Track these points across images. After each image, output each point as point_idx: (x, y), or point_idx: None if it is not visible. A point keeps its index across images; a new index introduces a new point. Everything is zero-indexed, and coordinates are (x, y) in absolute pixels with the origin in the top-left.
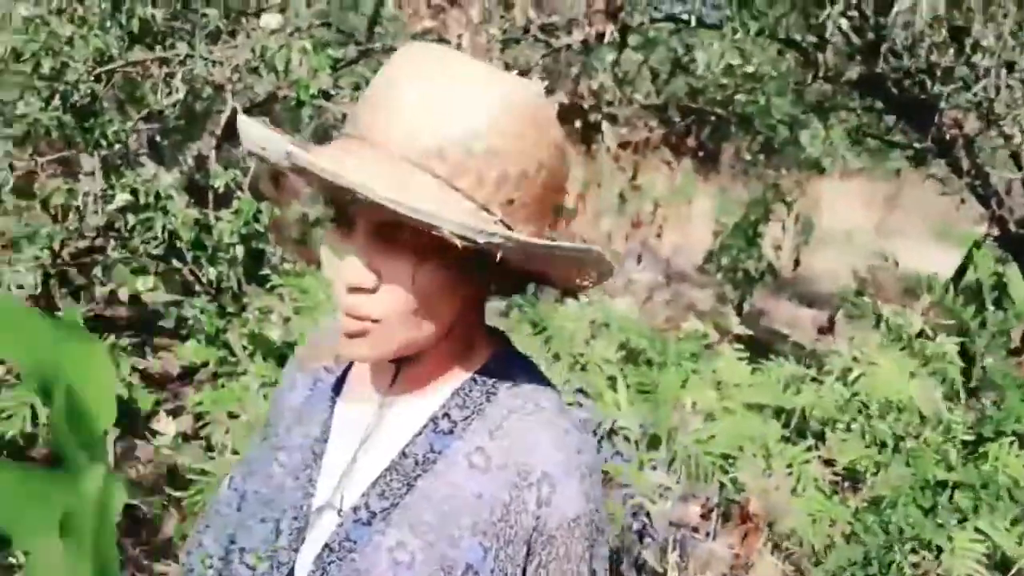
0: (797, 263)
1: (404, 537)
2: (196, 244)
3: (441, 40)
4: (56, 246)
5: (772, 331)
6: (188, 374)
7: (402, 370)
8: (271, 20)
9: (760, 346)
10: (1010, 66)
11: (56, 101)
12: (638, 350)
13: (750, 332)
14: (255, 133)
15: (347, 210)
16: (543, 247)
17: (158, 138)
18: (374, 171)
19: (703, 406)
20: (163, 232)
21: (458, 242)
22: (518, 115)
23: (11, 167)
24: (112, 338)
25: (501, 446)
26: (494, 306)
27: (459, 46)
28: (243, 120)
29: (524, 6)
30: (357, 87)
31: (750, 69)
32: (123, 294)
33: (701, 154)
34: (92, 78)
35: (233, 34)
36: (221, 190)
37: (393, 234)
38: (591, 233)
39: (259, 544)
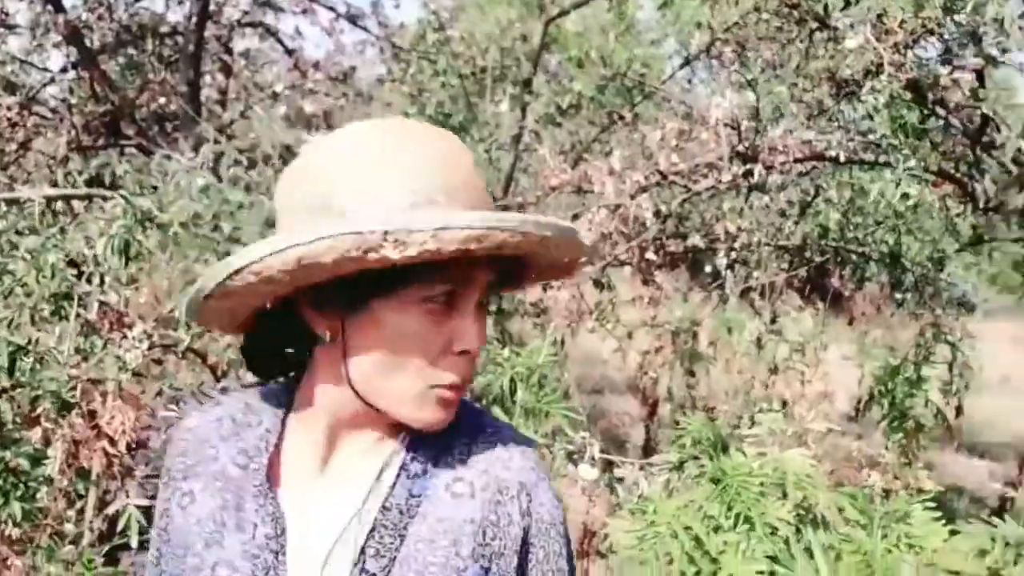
0: (959, 410)
1: None
2: None
3: (580, 191)
4: None
5: (947, 485)
6: None
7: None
8: None
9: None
10: None
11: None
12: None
13: (940, 487)
14: (467, 219)
15: (463, 279)
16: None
17: None
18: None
19: None
20: None
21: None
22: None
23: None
24: None
25: (478, 470)
26: None
27: (602, 195)
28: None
29: (667, 153)
30: None
31: (910, 203)
32: None
33: (846, 295)
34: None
35: None
36: None
37: (487, 291)
38: (723, 383)
39: None
